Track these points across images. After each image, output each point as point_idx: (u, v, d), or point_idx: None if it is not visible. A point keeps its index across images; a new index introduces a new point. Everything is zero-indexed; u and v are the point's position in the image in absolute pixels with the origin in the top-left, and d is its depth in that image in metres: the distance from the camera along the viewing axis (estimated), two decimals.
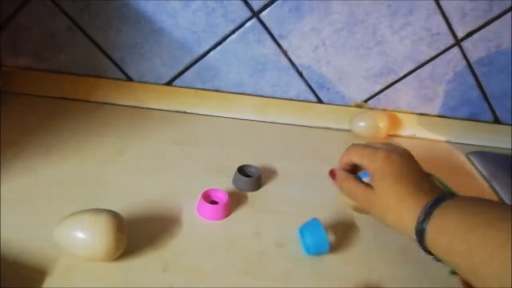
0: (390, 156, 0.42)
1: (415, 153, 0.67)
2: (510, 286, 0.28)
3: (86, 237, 0.36)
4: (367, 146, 0.45)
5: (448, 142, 0.72)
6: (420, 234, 0.37)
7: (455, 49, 0.65)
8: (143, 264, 0.40)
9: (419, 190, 0.40)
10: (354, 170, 0.47)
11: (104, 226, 0.36)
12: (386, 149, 0.43)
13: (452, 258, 0.34)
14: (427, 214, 0.36)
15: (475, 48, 0.65)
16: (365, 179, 0.45)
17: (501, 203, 0.38)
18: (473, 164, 0.66)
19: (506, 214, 0.32)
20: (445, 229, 0.35)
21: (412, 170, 0.42)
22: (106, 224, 0.36)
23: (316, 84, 0.69)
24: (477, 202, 0.36)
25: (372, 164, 0.42)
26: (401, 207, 0.39)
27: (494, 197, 0.59)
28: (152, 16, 0.62)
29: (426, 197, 0.38)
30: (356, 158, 0.45)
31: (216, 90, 0.69)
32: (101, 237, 0.36)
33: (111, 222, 0.37)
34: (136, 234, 0.43)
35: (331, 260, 0.43)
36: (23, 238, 0.40)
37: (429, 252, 0.37)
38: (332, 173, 0.49)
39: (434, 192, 0.39)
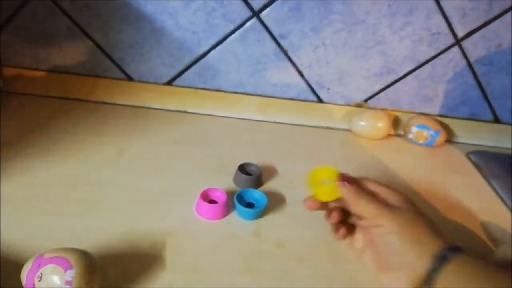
0: (411, 200, 0.42)
1: (415, 154, 0.68)
2: None
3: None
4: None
5: (448, 142, 0.72)
6: (432, 273, 0.36)
7: (455, 49, 0.65)
8: (142, 264, 0.40)
9: (437, 235, 0.39)
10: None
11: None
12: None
13: None
14: (445, 257, 0.36)
15: (475, 47, 0.65)
16: None
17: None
18: (473, 163, 0.66)
19: None
20: (459, 277, 0.35)
21: (427, 217, 0.41)
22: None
23: (316, 84, 0.69)
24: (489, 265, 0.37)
25: (399, 196, 0.41)
26: (419, 239, 0.38)
27: (494, 197, 0.59)
28: (152, 16, 0.62)
29: (443, 242, 0.38)
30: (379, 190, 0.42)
31: (217, 90, 0.69)
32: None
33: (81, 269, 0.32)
34: (136, 234, 0.43)
35: (331, 260, 0.43)
36: (23, 238, 0.40)
37: None
38: (345, 178, 0.42)
39: (448, 242, 0.39)
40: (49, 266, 0.32)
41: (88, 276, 0.32)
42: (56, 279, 0.31)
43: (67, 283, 0.31)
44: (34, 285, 0.31)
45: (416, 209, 0.41)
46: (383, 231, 0.39)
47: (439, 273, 0.36)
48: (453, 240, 0.39)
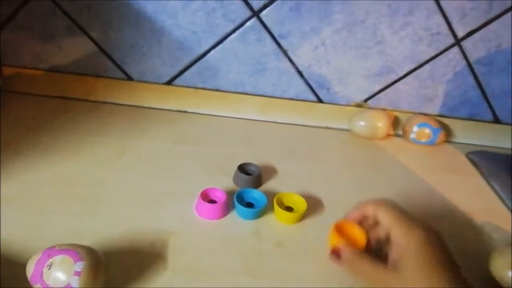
0: (428, 238, 0.38)
1: (415, 154, 0.68)
2: None
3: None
4: (402, 212, 0.40)
5: (448, 142, 0.72)
6: None
7: (455, 49, 0.65)
8: (142, 264, 0.40)
9: (452, 281, 0.36)
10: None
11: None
12: (423, 227, 0.38)
13: None
14: None
15: (475, 48, 0.65)
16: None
17: None
18: (473, 163, 0.66)
19: None
20: None
21: (445, 256, 0.38)
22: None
23: (316, 84, 0.69)
24: None
25: (407, 241, 0.37)
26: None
27: (494, 197, 0.59)
28: (152, 16, 0.62)
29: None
30: (386, 220, 0.40)
31: (216, 90, 0.69)
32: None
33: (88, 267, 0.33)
34: (136, 233, 0.43)
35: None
36: (23, 238, 0.40)
37: None
38: (335, 252, 0.40)
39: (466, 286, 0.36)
40: (60, 257, 0.33)
41: (95, 270, 0.33)
42: (66, 269, 0.32)
43: (76, 273, 0.32)
44: (42, 273, 0.32)
45: (434, 251, 0.37)
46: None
47: None
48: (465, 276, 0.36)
